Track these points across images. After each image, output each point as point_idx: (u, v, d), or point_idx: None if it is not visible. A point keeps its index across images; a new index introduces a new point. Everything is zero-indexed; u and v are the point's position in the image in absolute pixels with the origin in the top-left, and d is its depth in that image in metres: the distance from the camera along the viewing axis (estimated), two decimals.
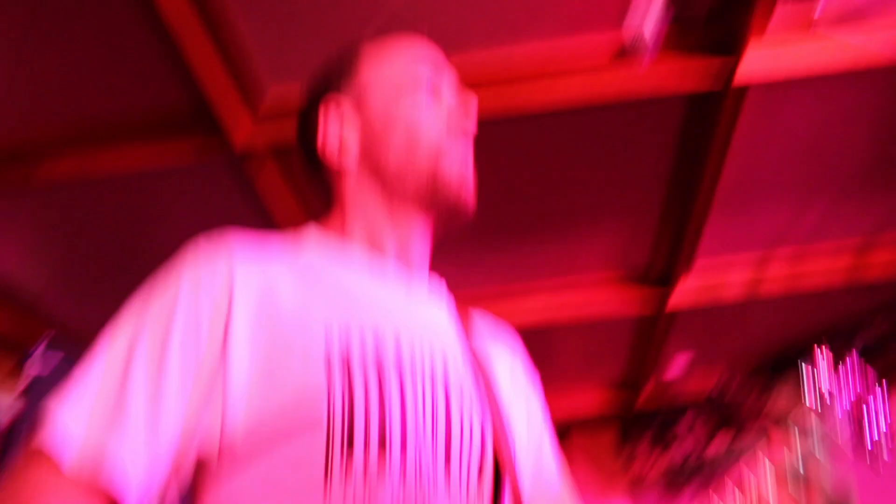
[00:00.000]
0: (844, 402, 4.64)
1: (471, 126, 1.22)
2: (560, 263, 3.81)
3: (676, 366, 4.87)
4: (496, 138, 2.76)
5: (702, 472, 5.25)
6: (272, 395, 0.91)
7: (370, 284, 1.09)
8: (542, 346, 4.62)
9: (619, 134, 2.87)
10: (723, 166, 2.92)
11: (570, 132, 2.82)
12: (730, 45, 2.48)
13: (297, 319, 0.97)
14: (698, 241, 3.51)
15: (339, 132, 1.19)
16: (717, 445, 5.23)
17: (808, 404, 4.83)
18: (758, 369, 5.18)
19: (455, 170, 1.16)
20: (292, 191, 3.00)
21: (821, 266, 3.88)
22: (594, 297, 3.98)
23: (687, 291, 3.90)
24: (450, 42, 2.26)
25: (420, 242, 1.20)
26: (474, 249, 3.53)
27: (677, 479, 5.33)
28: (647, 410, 5.42)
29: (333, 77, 1.25)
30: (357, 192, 1.19)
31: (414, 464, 0.93)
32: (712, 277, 3.89)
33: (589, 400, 5.31)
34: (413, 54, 1.25)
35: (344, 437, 0.89)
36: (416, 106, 1.18)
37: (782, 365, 5.06)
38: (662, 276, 3.85)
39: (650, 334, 4.38)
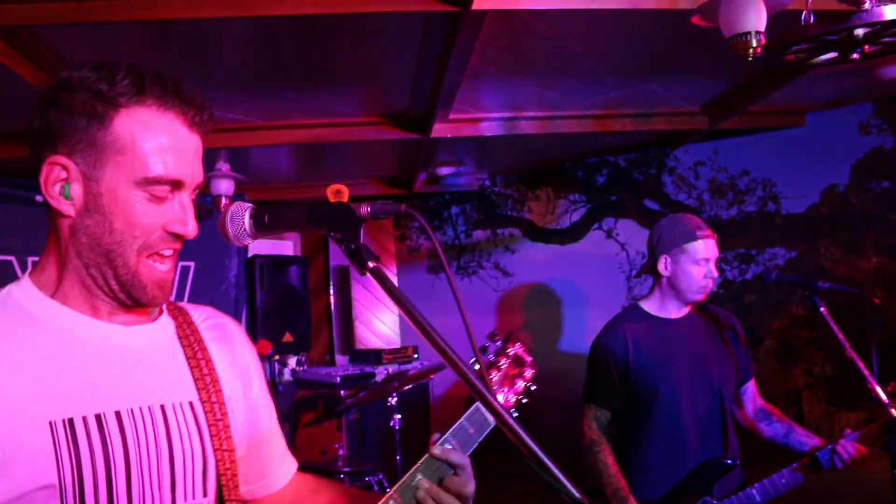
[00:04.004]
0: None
1: (189, 232, 1.29)
2: (323, 108, 3.94)
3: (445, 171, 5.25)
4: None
5: (463, 256, 5.89)
6: (6, 489, 1.14)
7: (91, 363, 1.25)
8: (312, 155, 4.85)
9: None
10: (472, 45, 3.04)
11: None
12: None
13: (22, 420, 1.17)
14: (451, 102, 3.70)
15: (61, 185, 1.24)
16: (478, 235, 5.84)
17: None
18: (517, 180, 5.68)
19: (154, 280, 1.28)
20: None
21: (567, 121, 4.23)
22: (356, 132, 4.17)
23: (445, 130, 4.15)
24: None
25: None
26: (244, 88, 3.58)
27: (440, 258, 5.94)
28: (422, 193, 5.89)
29: (77, 115, 1.23)
30: (72, 245, 1.26)
31: (140, 501, 1.24)
32: (467, 126, 4.15)
33: (364, 190, 5.67)
34: (166, 149, 1.25)
35: None
36: (143, 202, 1.24)
37: (537, 179, 5.58)
38: (420, 124, 4.07)
39: (416, 153, 4.66)
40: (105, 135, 1.23)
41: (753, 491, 2.82)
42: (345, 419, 5.39)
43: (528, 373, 1.84)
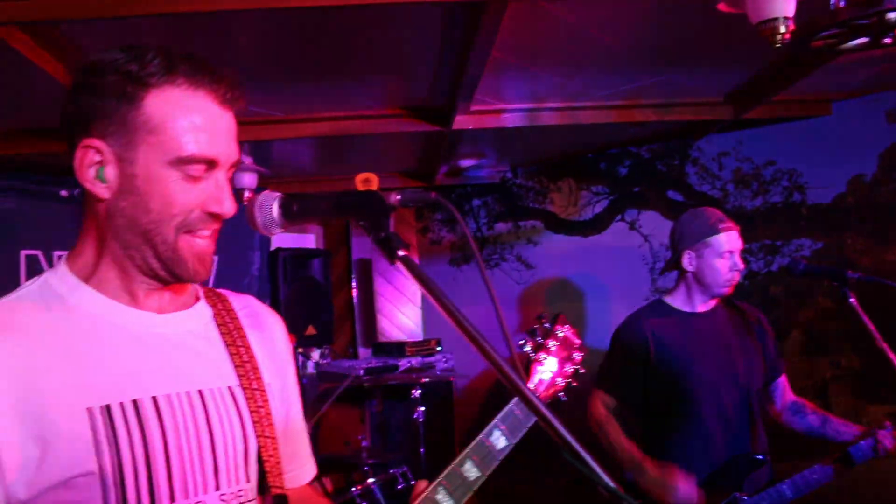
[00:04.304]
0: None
1: (227, 211, 1.28)
2: (344, 100, 3.93)
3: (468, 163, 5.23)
4: None
5: (485, 249, 5.87)
6: (48, 476, 1.15)
7: (127, 350, 1.25)
8: (334, 148, 4.85)
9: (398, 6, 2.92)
10: (494, 36, 3.03)
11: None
12: None
13: (61, 407, 1.17)
14: (473, 93, 3.69)
15: (96, 169, 1.24)
16: (500, 227, 5.81)
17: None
18: (538, 172, 5.65)
19: (194, 253, 1.27)
20: None
21: (589, 112, 4.20)
22: (378, 125, 4.16)
23: (466, 121, 4.14)
24: None
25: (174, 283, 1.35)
26: (265, 81, 3.58)
27: (464, 250, 5.94)
28: (443, 186, 5.87)
29: (108, 97, 1.22)
30: (109, 228, 1.26)
31: (182, 487, 1.24)
32: (489, 118, 4.14)
33: (385, 183, 5.66)
34: (199, 128, 1.24)
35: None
36: (179, 182, 1.23)
37: (558, 171, 5.56)
38: (441, 116, 4.05)
39: (438, 145, 4.64)
40: (136, 115, 1.22)
41: (784, 487, 2.78)
42: (368, 411, 5.40)
43: (578, 355, 1.80)
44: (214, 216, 1.28)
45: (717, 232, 2.92)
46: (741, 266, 2.94)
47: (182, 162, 1.23)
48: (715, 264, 2.92)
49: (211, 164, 1.26)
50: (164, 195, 1.23)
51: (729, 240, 2.92)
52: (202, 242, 1.29)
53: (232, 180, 1.34)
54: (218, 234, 1.33)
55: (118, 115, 1.22)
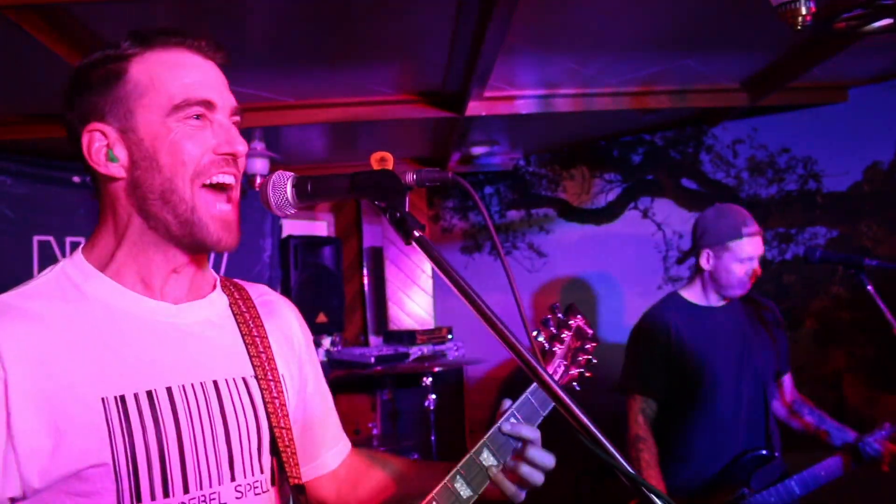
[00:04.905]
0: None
1: (239, 149, 1.29)
2: (357, 86, 3.91)
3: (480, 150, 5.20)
4: None
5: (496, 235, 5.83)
6: (61, 466, 1.15)
7: (141, 340, 1.25)
8: (345, 134, 4.82)
9: None
10: (509, 20, 2.98)
11: None
12: None
13: (76, 396, 1.16)
14: (487, 79, 3.65)
15: (105, 151, 1.26)
16: (512, 215, 5.78)
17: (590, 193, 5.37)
18: (551, 160, 5.61)
19: (214, 216, 1.28)
20: None
21: (603, 98, 4.16)
22: (390, 111, 4.13)
23: (479, 108, 4.11)
24: None
25: (192, 266, 1.34)
26: (278, 67, 3.56)
27: (475, 238, 5.91)
28: (455, 173, 5.83)
29: (97, 86, 1.26)
30: (132, 205, 1.27)
31: (196, 478, 1.23)
32: (502, 104, 4.10)
33: (396, 170, 5.63)
34: (185, 75, 1.27)
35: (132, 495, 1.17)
36: (182, 130, 1.25)
37: (571, 159, 5.51)
38: (454, 102, 4.02)
39: (450, 132, 4.61)
40: (125, 86, 1.26)
41: (792, 483, 2.77)
42: (379, 399, 5.40)
43: (590, 346, 1.79)
44: (227, 158, 1.29)
45: (739, 237, 2.88)
46: (759, 272, 2.92)
47: (178, 108, 1.25)
48: (732, 268, 2.90)
49: (207, 105, 1.28)
50: (172, 147, 1.25)
51: (751, 245, 2.89)
52: (223, 207, 1.29)
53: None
54: (239, 203, 1.33)
55: (110, 95, 1.26)
